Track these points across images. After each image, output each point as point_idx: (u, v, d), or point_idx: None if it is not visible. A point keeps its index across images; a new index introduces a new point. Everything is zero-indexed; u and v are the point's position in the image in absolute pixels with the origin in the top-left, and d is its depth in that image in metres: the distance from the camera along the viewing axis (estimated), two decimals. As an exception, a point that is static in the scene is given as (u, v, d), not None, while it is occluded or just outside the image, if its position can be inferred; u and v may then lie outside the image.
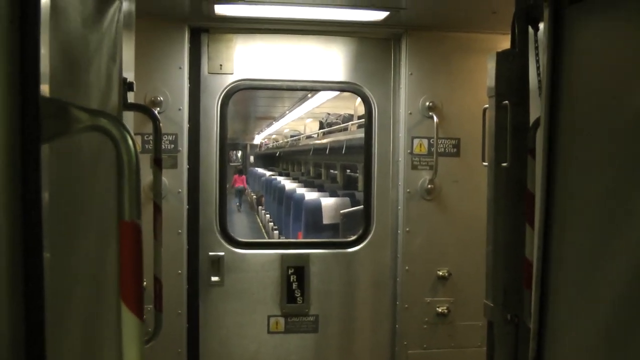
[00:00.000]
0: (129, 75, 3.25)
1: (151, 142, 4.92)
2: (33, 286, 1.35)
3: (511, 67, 3.45)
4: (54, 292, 1.59)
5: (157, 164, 3.31)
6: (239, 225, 21.08)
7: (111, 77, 2.48)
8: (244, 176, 28.08)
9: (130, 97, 3.37)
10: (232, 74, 5.36)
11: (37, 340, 1.41)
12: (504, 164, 3.39)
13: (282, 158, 32.95)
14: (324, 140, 15.29)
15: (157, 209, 3.38)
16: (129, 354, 1.39)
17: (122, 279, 1.40)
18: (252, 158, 41.12)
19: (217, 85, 5.35)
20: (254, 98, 15.59)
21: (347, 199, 10.88)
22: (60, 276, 1.69)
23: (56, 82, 1.58)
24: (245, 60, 5.37)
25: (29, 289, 1.34)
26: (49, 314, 1.45)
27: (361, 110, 10.40)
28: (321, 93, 11.68)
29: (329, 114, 16.43)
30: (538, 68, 3.20)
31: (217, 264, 5.34)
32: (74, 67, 1.94)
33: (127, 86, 2.96)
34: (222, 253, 5.35)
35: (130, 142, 1.40)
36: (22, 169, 1.32)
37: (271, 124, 25.36)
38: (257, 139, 38.21)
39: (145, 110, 3.57)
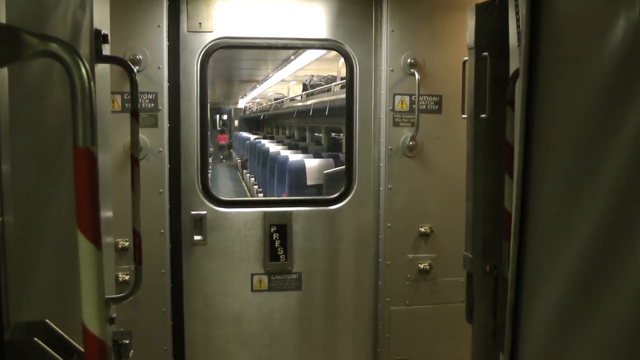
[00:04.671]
0: (104, 29, 3.19)
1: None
2: None
3: (491, 18, 3.43)
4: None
5: (134, 117, 3.28)
6: (224, 189, 21.07)
7: (79, 26, 2.42)
8: (225, 135, 36.61)
9: (107, 52, 3.33)
10: (211, 32, 5.28)
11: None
12: (483, 116, 3.39)
13: (266, 121, 32.82)
14: (308, 102, 15.17)
15: (135, 162, 3.35)
16: (87, 284, 1.37)
17: (78, 207, 1.37)
18: (236, 122, 40.89)
19: (197, 44, 5.27)
20: (237, 61, 15.39)
21: (331, 160, 10.82)
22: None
23: (16, 14, 1.54)
24: (225, 18, 5.29)
25: None
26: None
27: (344, 71, 10.32)
28: (304, 55, 11.53)
29: (312, 76, 16.27)
30: (518, 20, 3.18)
31: (199, 223, 5.33)
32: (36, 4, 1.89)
33: (101, 38, 2.91)
34: (205, 212, 5.34)
35: (83, 67, 1.37)
36: None
37: (255, 87, 25.11)
38: (241, 103, 37.91)
39: (120, 62, 3.52)
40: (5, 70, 1.52)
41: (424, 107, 5.41)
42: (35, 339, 1.65)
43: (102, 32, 3.00)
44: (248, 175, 19.48)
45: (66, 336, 1.77)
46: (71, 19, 2.31)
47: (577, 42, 2.49)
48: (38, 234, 1.92)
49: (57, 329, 1.76)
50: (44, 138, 2.00)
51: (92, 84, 1.38)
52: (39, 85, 1.95)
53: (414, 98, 5.32)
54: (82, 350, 1.74)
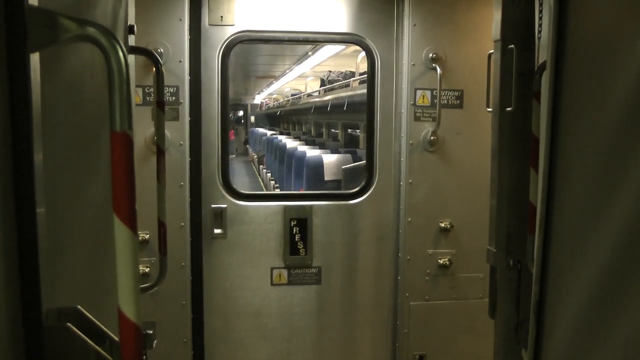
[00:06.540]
0: (130, 19, 3.21)
1: (152, 94, 4.90)
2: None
3: (517, 11, 3.40)
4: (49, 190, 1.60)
5: (160, 107, 3.28)
6: (241, 185, 21.12)
7: (117, 18, 2.44)
8: (232, 130, 37.75)
9: (132, 43, 3.35)
10: (233, 25, 5.29)
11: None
12: (509, 109, 3.36)
13: (283, 117, 32.85)
14: (326, 98, 15.15)
15: (160, 152, 3.35)
16: (123, 268, 1.37)
17: (115, 191, 1.38)
18: (252, 118, 41.00)
19: (218, 37, 5.28)
20: (254, 56, 15.43)
21: (348, 156, 10.82)
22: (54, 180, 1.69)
23: (55, 4, 1.55)
24: (246, 11, 5.29)
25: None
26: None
27: (363, 67, 10.29)
28: (322, 50, 11.54)
29: (330, 71, 16.25)
30: (540, 12, 3.16)
31: (219, 217, 5.35)
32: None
33: (128, 29, 2.92)
34: (225, 205, 5.35)
35: (120, 51, 1.37)
36: (10, 77, 1.30)
37: (272, 83, 25.14)
38: (258, 99, 38.00)
39: (147, 53, 3.53)
40: (37, 59, 1.52)
41: (445, 101, 5.39)
42: (69, 324, 1.66)
43: (129, 23, 3.01)
44: (264, 170, 19.51)
45: (98, 322, 1.78)
46: (111, 10, 2.33)
47: (607, 33, 2.46)
48: (70, 223, 1.93)
49: (89, 315, 1.77)
50: (76, 128, 2.01)
51: (128, 67, 1.39)
52: (72, 75, 1.96)
53: (436, 93, 5.30)
54: (114, 336, 1.76)
